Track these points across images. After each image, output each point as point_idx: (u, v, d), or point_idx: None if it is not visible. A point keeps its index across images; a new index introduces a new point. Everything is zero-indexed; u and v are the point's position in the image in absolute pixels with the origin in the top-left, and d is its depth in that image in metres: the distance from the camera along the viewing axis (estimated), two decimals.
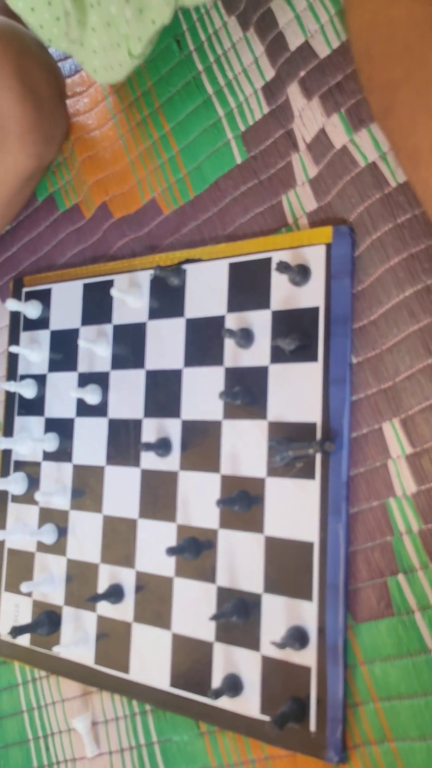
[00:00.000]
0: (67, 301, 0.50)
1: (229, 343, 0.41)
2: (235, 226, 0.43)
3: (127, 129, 0.48)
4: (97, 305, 0.49)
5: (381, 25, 0.29)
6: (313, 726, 0.36)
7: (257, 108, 0.42)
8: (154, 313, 0.45)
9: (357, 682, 0.35)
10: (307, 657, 0.36)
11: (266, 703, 0.37)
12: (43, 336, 0.52)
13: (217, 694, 0.37)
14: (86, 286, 0.49)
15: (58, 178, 0.53)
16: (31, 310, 0.52)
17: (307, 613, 0.37)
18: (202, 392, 0.42)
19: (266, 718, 0.37)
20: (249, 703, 0.38)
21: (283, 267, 0.37)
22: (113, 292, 0.44)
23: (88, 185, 0.50)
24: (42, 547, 0.49)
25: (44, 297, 0.52)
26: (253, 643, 0.38)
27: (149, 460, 0.44)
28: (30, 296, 0.53)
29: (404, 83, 0.28)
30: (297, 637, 0.36)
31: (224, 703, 0.39)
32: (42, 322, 0.52)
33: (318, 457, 0.37)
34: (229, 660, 0.39)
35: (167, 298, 0.45)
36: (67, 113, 0.51)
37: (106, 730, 0.45)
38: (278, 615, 0.37)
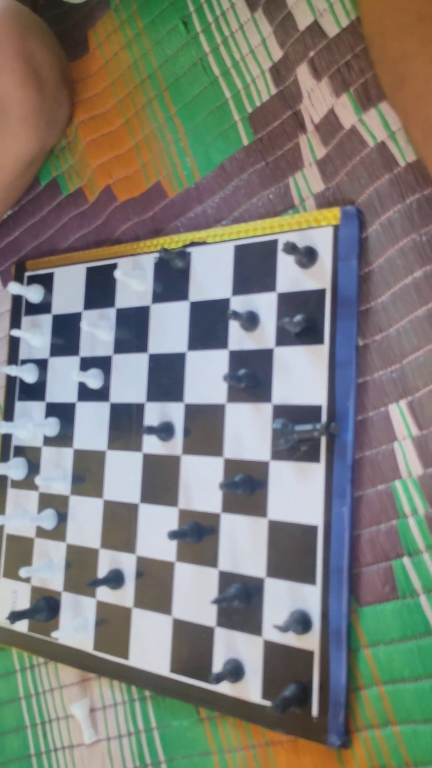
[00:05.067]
0: (69, 285, 0.50)
1: (233, 326, 0.41)
2: (241, 209, 0.42)
3: (132, 112, 0.48)
4: (100, 289, 0.48)
5: None
6: (315, 710, 0.35)
7: (264, 89, 0.42)
8: (158, 297, 0.45)
9: (360, 666, 0.35)
10: (309, 641, 0.36)
11: (268, 688, 0.37)
12: (45, 320, 0.51)
13: (218, 679, 0.37)
14: (89, 270, 0.49)
15: (61, 161, 0.53)
16: (33, 294, 0.51)
17: (310, 597, 0.36)
18: (206, 376, 0.42)
19: (268, 703, 0.37)
20: (250, 689, 0.38)
21: (290, 248, 0.37)
22: (117, 274, 0.44)
23: (92, 169, 0.50)
24: (41, 532, 0.49)
25: (46, 281, 0.51)
26: (255, 628, 0.38)
27: (151, 445, 0.44)
28: (32, 280, 0.52)
29: (418, 54, 0.27)
30: (300, 621, 0.36)
31: (225, 688, 0.38)
32: (44, 307, 0.51)
33: (323, 440, 0.37)
34: (230, 645, 0.39)
35: (171, 281, 0.44)
36: (71, 96, 0.50)
37: (105, 717, 0.44)
38: (281, 599, 0.37)
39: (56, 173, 0.53)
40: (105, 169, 0.49)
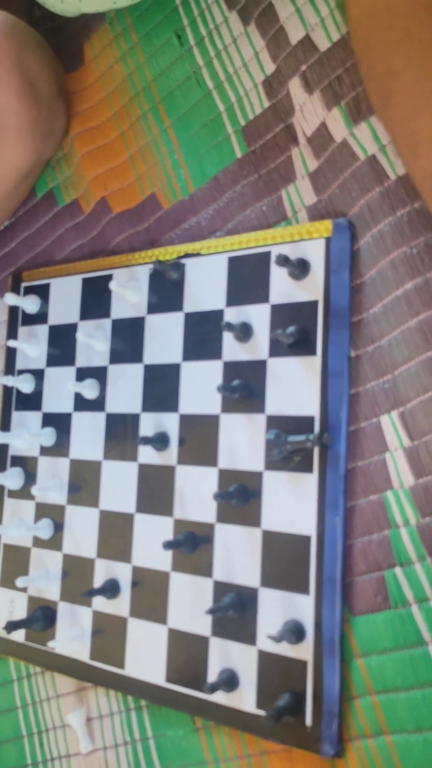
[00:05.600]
0: (65, 296, 0.50)
1: (227, 337, 0.41)
2: (235, 221, 0.43)
3: (127, 124, 0.49)
4: (95, 300, 0.49)
5: (380, 13, 0.29)
6: (309, 720, 0.35)
7: (257, 102, 0.42)
8: (153, 308, 0.45)
9: (353, 675, 0.35)
10: (303, 651, 0.36)
11: (262, 697, 0.37)
12: (42, 331, 0.51)
13: (213, 688, 0.37)
14: (85, 281, 0.49)
15: (57, 173, 0.53)
16: (30, 304, 0.52)
17: (303, 606, 0.36)
18: (201, 386, 0.42)
19: (262, 712, 0.37)
20: (245, 698, 0.38)
21: (282, 260, 0.37)
22: (112, 285, 0.44)
23: (88, 180, 0.50)
24: (38, 542, 0.49)
25: (43, 292, 0.52)
26: (249, 638, 0.38)
27: (146, 455, 0.44)
28: (28, 291, 0.53)
29: (404, 71, 0.28)
30: (294, 631, 0.36)
31: (220, 698, 0.39)
32: (40, 317, 0.52)
33: (316, 451, 0.37)
34: (225, 655, 0.39)
35: (166, 292, 0.45)
36: (67, 109, 0.51)
37: (101, 726, 0.45)
38: (275, 609, 0.37)
39: (52, 185, 0.53)
40: (100, 180, 0.49)
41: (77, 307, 0.49)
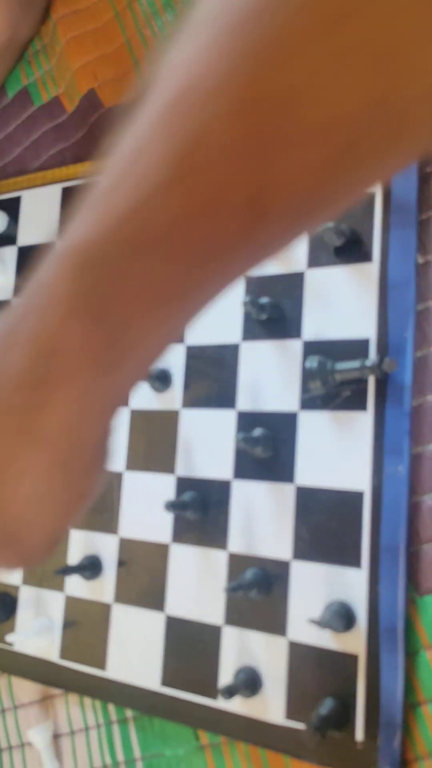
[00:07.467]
0: (40, 211, 0.42)
1: None
2: None
3: (123, 3, 0.40)
4: None
5: None
6: (359, 733, 0.28)
7: None
8: None
9: (421, 673, 0.27)
10: (352, 641, 0.28)
11: (294, 704, 0.29)
12: (9, 254, 0.42)
13: (231, 692, 0.29)
14: (66, 192, 0.41)
15: (34, 67, 0.44)
16: None
17: (353, 584, 0.29)
18: (212, 311, 0.34)
19: (293, 723, 0.29)
20: (269, 705, 0.30)
21: None
22: None
23: (73, 71, 0.41)
24: None
25: (11, 207, 0.43)
26: (277, 626, 0.30)
27: (141, 397, 0.35)
28: None
29: None
30: (341, 614, 0.28)
31: (235, 705, 0.30)
32: (7, 238, 0.43)
33: (371, 382, 0.29)
34: (243, 648, 0.31)
35: None
36: None
37: (72, 745, 0.35)
38: (313, 587, 0.29)
39: (28, 81, 0.44)
40: (89, 70, 0.41)
41: (55, 224, 0.40)
